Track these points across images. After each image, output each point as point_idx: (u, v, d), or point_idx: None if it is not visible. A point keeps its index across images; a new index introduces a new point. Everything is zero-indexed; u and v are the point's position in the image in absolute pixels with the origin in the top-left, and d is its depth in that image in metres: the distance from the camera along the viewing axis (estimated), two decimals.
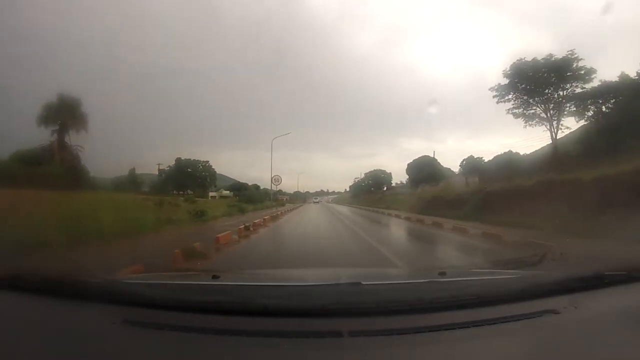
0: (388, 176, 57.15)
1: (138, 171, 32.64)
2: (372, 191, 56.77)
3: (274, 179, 27.84)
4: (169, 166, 40.00)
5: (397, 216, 22.92)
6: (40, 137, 22.54)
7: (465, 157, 35.94)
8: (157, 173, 38.62)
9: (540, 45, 59.40)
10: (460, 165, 37.05)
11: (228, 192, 48.22)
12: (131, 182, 28.10)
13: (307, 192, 78.27)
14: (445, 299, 1.34)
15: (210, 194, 43.18)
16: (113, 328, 1.21)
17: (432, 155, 40.35)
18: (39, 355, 1.09)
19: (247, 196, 38.14)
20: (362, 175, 60.79)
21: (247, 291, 1.52)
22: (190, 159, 41.25)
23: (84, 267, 4.83)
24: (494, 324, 1.23)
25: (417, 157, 41.80)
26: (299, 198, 66.67)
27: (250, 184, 49.67)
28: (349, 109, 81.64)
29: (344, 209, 38.07)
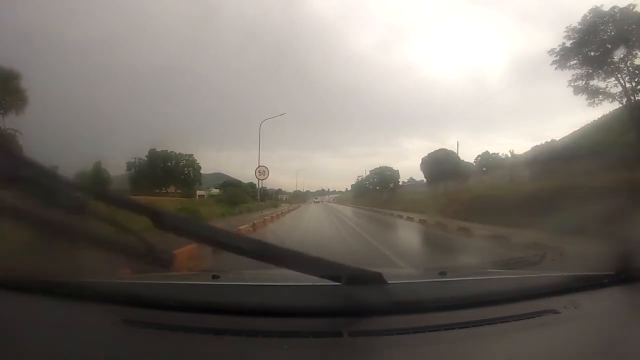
0: (394, 173, 52.01)
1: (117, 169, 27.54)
2: (377, 190, 51.49)
3: (259, 171, 21.26)
4: (139, 158, 34.04)
5: (465, 230, 11.33)
6: None
7: (467, 154, 31.29)
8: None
9: (541, 43, 58.46)
10: (474, 162, 33.33)
11: (217, 190, 42.68)
12: (93, 178, 22.84)
13: (308, 191, 76.61)
14: (445, 299, 1.33)
15: (199, 192, 37.70)
16: (113, 328, 1.20)
17: (448, 149, 34.59)
18: (39, 355, 1.08)
19: (231, 195, 29.62)
20: (367, 173, 55.59)
21: (247, 291, 1.52)
22: (167, 151, 34.98)
23: (84, 268, 3.74)
24: (494, 324, 1.22)
25: (432, 151, 35.98)
26: (299, 198, 63.14)
27: (246, 182, 44.03)
28: (348, 109, 79.49)
29: (352, 212, 28.98)
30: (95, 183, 22.14)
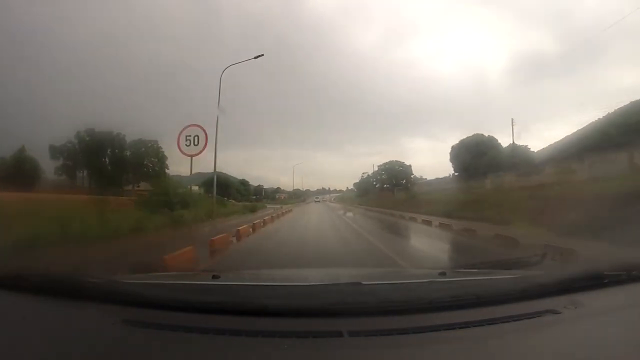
0: (407, 169, 43.87)
1: None
2: (385, 188, 44.38)
3: (186, 136, 11.07)
4: (70, 141, 24.07)
5: None
6: None
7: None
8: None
9: (542, 42, 54.71)
10: None
11: (197, 187, 35.59)
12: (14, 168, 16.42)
13: (308, 190, 73.38)
14: (445, 299, 1.33)
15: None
16: (113, 328, 1.20)
17: (485, 135, 28.13)
18: (40, 355, 1.08)
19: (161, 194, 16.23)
20: (376, 168, 48.02)
21: (247, 291, 1.52)
22: (112, 133, 23.93)
23: (84, 267, 4.52)
24: (494, 324, 1.22)
25: (464, 138, 29.08)
26: (298, 197, 57.88)
27: (248, 182, 37.38)
28: (348, 108, 76.86)
29: (381, 224, 16.82)
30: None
